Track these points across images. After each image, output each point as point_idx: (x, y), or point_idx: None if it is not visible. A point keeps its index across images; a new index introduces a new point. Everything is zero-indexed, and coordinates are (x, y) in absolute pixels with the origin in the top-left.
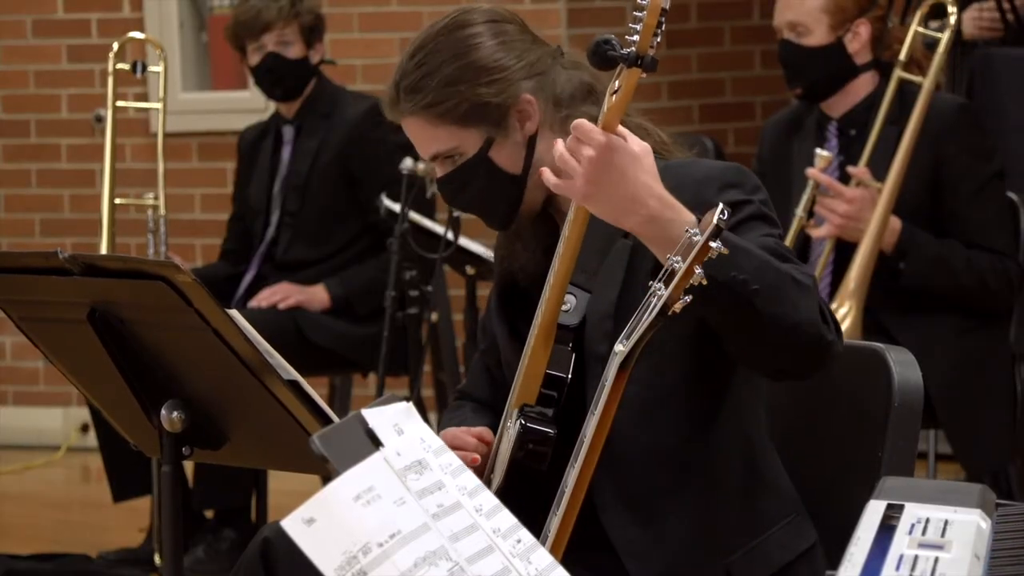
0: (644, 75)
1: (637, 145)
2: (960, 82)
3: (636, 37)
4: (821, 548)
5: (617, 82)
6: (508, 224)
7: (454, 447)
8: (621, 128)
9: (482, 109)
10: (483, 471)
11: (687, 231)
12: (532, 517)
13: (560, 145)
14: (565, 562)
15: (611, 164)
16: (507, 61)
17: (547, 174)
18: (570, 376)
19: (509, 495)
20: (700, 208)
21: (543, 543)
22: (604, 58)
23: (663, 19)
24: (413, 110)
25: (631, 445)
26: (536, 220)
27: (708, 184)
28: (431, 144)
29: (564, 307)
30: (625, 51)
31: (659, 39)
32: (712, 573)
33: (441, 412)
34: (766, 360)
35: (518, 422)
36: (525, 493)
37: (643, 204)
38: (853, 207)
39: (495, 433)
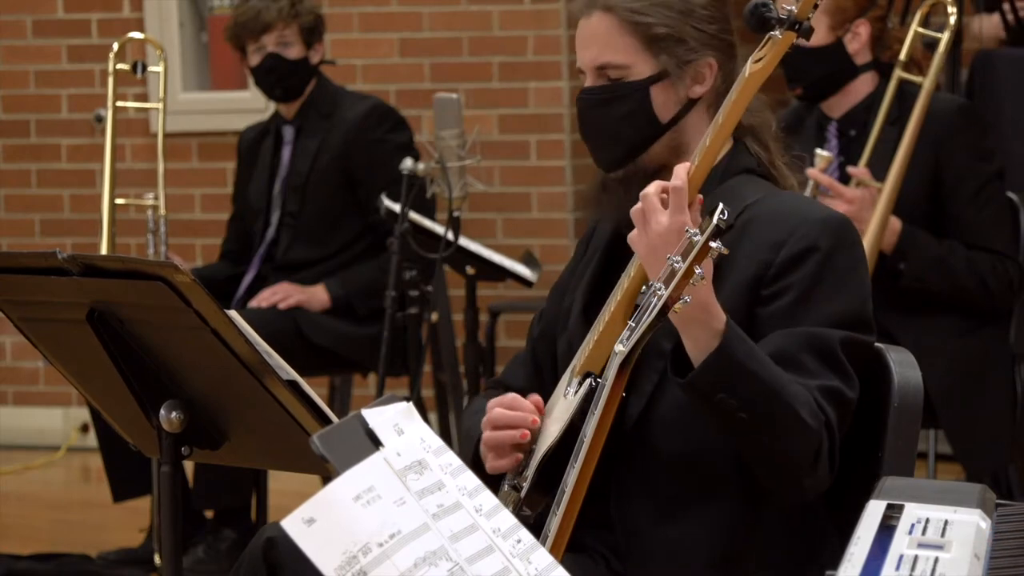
0: (797, 40)
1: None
2: (960, 82)
3: (793, 8)
4: None
5: (763, 50)
6: (619, 165)
7: (512, 408)
8: (697, 204)
9: (675, 43)
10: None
11: (687, 231)
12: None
13: (650, 189)
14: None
15: (672, 244)
16: (714, 23)
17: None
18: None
19: (557, 458)
20: (784, 243)
21: (542, 543)
22: (761, 19)
23: None
24: (614, 6)
25: (666, 449)
26: (645, 179)
27: (809, 225)
28: (606, 51)
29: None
30: (783, 15)
31: (818, 7)
32: None
33: (441, 412)
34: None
35: (586, 382)
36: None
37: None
38: (853, 207)
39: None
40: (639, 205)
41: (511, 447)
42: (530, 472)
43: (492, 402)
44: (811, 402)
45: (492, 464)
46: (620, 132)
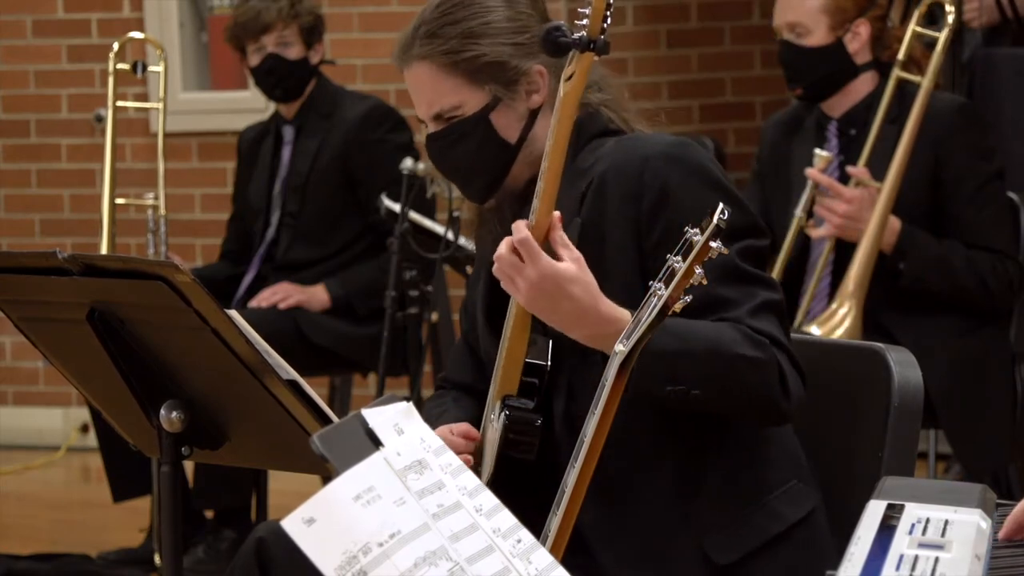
0: (597, 58)
1: (569, 262)
2: (960, 82)
3: (586, 21)
4: (824, 512)
5: (570, 68)
6: (488, 195)
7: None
8: (555, 235)
9: (496, 68)
10: (479, 462)
11: (687, 230)
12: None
13: (502, 251)
14: None
15: (546, 291)
16: (525, 32)
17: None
18: (549, 363)
19: (499, 487)
20: (644, 194)
21: (543, 543)
22: (556, 44)
23: (611, 1)
24: (427, 55)
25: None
26: (515, 201)
27: (652, 165)
28: (434, 96)
29: None
30: (576, 36)
31: (608, 22)
32: (686, 553)
33: None
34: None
35: (503, 413)
36: (515, 483)
37: (583, 324)
38: (853, 207)
39: (477, 425)
40: (497, 268)
41: None
42: None
43: None
44: (747, 334)
45: None
46: (476, 166)
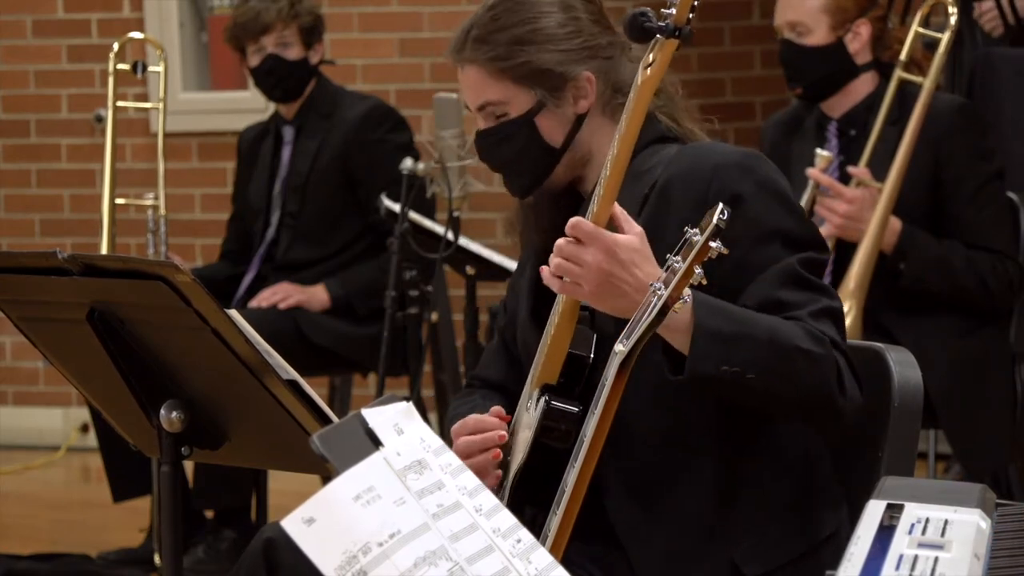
0: (679, 48)
1: (632, 234)
2: (960, 82)
3: (672, 10)
4: (848, 529)
5: (652, 55)
6: (529, 192)
7: (477, 430)
8: (616, 210)
9: (543, 74)
10: (508, 450)
11: (686, 230)
12: (550, 496)
13: (561, 242)
14: (571, 553)
15: (609, 267)
16: (576, 37)
17: (546, 274)
18: (592, 356)
19: (531, 473)
20: (712, 201)
21: (542, 542)
22: (641, 30)
23: None
24: (477, 59)
25: (640, 426)
26: (559, 197)
27: (723, 174)
28: (483, 94)
29: None
30: (662, 23)
31: (694, 12)
32: (715, 561)
33: (441, 412)
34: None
35: (541, 400)
36: (548, 472)
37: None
38: (853, 207)
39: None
40: (555, 263)
41: (487, 467)
42: (505, 492)
43: (454, 430)
44: (808, 330)
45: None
46: (520, 166)
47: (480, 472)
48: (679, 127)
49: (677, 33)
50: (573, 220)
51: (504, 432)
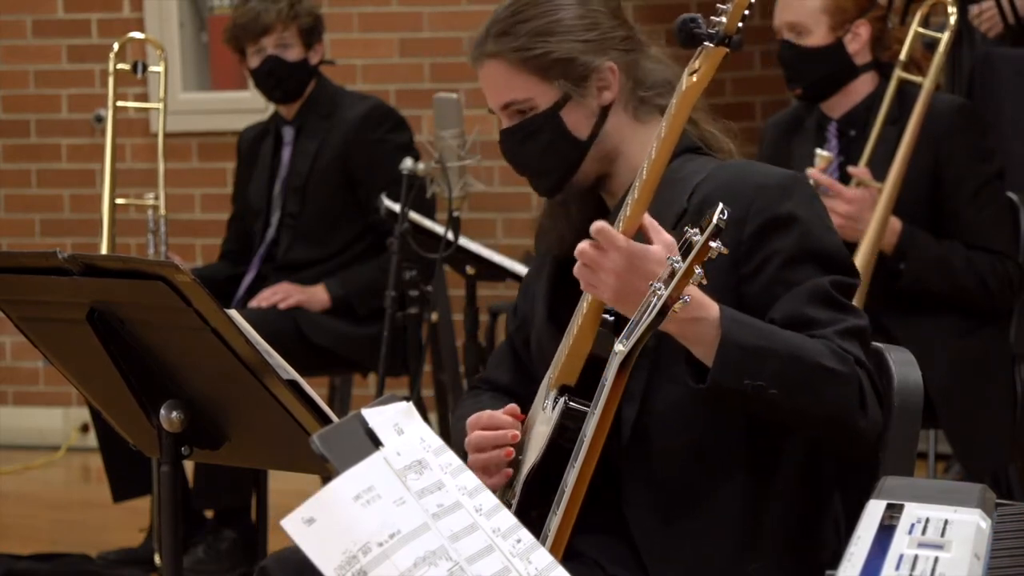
0: (729, 55)
1: (659, 244)
2: (960, 82)
3: (723, 18)
4: None
5: (697, 62)
6: (557, 190)
7: (491, 426)
8: (646, 220)
9: (566, 64)
10: (520, 448)
11: (686, 230)
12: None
13: (583, 246)
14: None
15: (631, 277)
16: (594, 29)
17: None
18: None
19: (545, 474)
20: (746, 219)
21: (542, 542)
22: (690, 35)
23: (753, 0)
24: (499, 52)
25: (669, 443)
26: (584, 196)
27: (765, 194)
28: (506, 91)
29: None
30: (712, 30)
31: (744, 22)
32: None
33: (441, 412)
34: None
35: (560, 400)
36: (558, 473)
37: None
38: (853, 207)
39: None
40: (578, 267)
41: (499, 464)
42: (517, 490)
43: (470, 422)
44: (833, 349)
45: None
46: (547, 162)
47: (490, 468)
48: (697, 129)
49: (727, 41)
50: (597, 224)
51: (517, 432)
